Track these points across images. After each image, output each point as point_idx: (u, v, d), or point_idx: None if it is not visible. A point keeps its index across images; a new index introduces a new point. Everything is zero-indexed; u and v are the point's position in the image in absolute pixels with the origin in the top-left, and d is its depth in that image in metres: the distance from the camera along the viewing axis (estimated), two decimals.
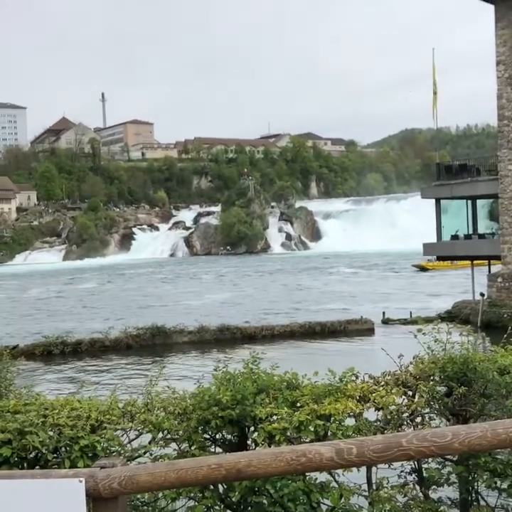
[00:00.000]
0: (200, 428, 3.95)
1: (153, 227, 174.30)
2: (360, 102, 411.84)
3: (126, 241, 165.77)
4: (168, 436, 4.03)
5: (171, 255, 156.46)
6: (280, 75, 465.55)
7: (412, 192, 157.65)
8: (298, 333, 38.92)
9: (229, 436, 4.03)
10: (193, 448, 3.88)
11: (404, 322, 39.76)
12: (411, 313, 40.79)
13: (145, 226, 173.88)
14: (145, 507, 4.22)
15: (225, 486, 3.88)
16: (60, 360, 32.28)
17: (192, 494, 3.85)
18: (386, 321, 40.52)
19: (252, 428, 4.03)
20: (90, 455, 3.85)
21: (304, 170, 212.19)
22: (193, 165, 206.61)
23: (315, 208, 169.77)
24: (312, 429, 3.84)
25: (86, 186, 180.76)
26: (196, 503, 3.86)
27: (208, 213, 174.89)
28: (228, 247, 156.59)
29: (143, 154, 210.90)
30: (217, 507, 3.81)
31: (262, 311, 48.74)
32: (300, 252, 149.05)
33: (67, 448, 3.89)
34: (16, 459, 3.88)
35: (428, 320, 43.01)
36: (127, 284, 77.73)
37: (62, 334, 35.28)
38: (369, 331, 37.53)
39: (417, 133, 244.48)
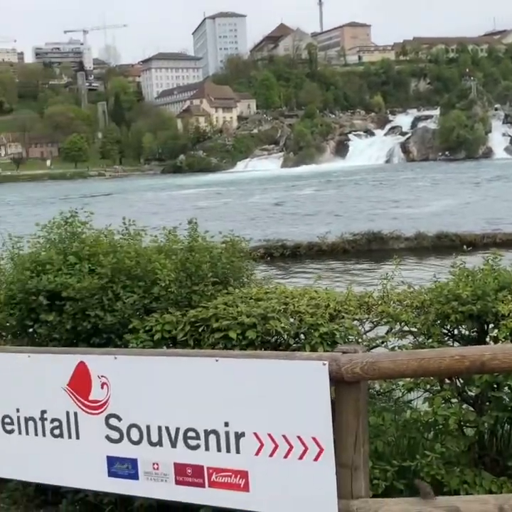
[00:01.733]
0: (438, 322, 3.94)
1: (368, 133, 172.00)
2: None
3: (341, 148, 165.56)
4: (405, 328, 4.07)
5: (387, 161, 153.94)
6: None
7: None
8: None
9: (467, 332, 3.98)
10: (429, 341, 3.89)
11: None
12: None
13: (360, 132, 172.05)
14: (379, 396, 4.34)
15: (462, 380, 3.87)
16: (279, 262, 33.51)
17: (428, 386, 3.88)
18: None
19: (491, 325, 3.94)
20: (329, 342, 4.00)
21: None
22: (411, 67, 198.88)
23: None
24: None
25: (303, 93, 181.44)
26: (432, 395, 3.89)
27: (426, 117, 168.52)
28: (447, 153, 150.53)
29: (359, 58, 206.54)
30: (454, 400, 3.82)
31: (482, 219, 46.70)
32: None
33: (307, 334, 4.07)
34: (260, 342, 4.14)
35: None
36: (343, 190, 77.95)
37: (282, 238, 36.44)
38: None
39: None
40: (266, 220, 51.67)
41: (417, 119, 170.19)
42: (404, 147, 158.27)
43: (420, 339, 4.05)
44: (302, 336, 4.16)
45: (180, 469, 3.80)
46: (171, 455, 3.80)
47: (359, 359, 3.32)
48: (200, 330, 4.34)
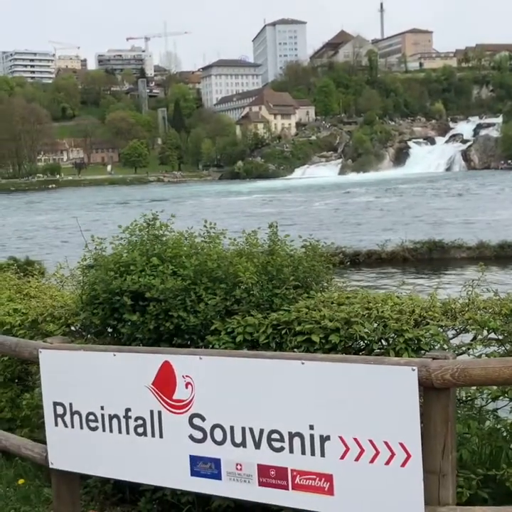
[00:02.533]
0: None
1: (429, 141, 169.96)
2: None
3: (400, 155, 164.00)
4: (492, 335, 4.01)
5: (447, 169, 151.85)
6: None
7: None
8: None
9: None
10: None
11: None
12: None
13: (420, 139, 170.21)
14: (462, 404, 4.28)
15: None
16: (340, 270, 33.31)
17: None
18: None
19: None
20: (414, 348, 3.97)
21: None
22: (473, 74, 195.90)
23: None
24: None
25: (362, 100, 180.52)
26: None
27: (489, 125, 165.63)
28: (509, 161, 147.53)
29: (420, 65, 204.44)
30: None
31: None
32: None
33: (392, 340, 4.05)
34: (343, 346, 4.13)
35: None
36: (403, 198, 77.22)
37: (341, 245, 36.26)
38: None
39: None
40: (328, 227, 51.52)
41: (479, 127, 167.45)
42: (466, 155, 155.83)
43: (508, 347, 3.99)
44: (385, 342, 4.14)
45: (263, 471, 3.82)
46: (255, 456, 3.82)
47: (449, 365, 3.29)
48: (282, 333, 4.36)
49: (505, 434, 3.94)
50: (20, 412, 5.79)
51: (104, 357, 4.30)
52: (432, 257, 36.12)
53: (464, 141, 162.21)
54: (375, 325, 4.07)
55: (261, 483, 3.85)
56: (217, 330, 4.52)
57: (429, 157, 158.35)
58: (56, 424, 4.44)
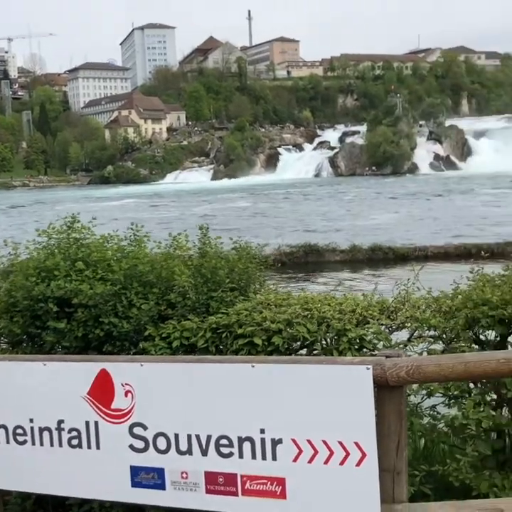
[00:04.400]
0: (466, 326, 3.99)
1: (297, 147, 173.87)
2: None
3: (271, 161, 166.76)
4: (429, 333, 4.10)
5: (316, 175, 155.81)
6: None
7: None
8: (453, 255, 38.07)
9: (492, 337, 4.05)
10: (459, 345, 3.94)
11: None
12: None
13: (290, 146, 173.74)
14: None
15: (489, 384, 3.92)
16: None
17: (455, 392, 3.91)
18: None
19: None
20: (357, 347, 4.00)
21: (454, 86, 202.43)
22: (338, 83, 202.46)
23: (466, 127, 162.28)
24: None
25: (233, 106, 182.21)
26: (457, 400, 3.93)
27: (354, 133, 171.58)
28: (374, 168, 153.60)
29: (288, 73, 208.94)
30: (482, 403, 3.86)
31: (411, 232, 47.86)
32: (449, 173, 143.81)
33: (334, 340, 4.06)
34: (285, 348, 4.10)
35: None
36: (276, 203, 78.55)
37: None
38: None
39: None
40: (213, 230, 51.40)
41: (345, 135, 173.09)
42: (333, 162, 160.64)
43: (443, 344, 4.10)
44: (325, 342, 4.14)
45: (211, 478, 3.72)
46: (202, 463, 3.71)
47: (404, 363, 3.33)
48: (222, 336, 4.27)
49: (446, 429, 4.03)
50: None
51: (33, 367, 4.04)
52: (307, 261, 36.96)
53: (331, 148, 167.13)
54: (318, 325, 4.07)
55: (208, 491, 3.75)
56: (151, 336, 4.37)
57: (299, 163, 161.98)
58: None
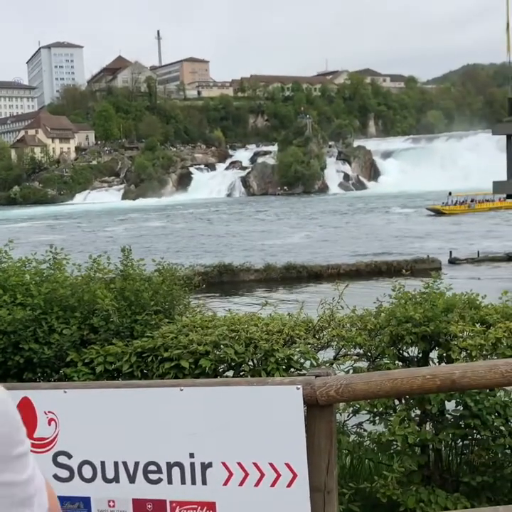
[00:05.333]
0: (391, 343, 4.06)
1: (210, 167, 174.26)
2: (422, 36, 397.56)
3: (183, 181, 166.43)
4: (354, 350, 4.15)
5: (228, 195, 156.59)
6: (337, 7, 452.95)
7: (474, 130, 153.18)
8: (364, 272, 38.95)
9: (414, 354, 4.14)
10: (384, 362, 4.00)
11: (473, 261, 39.21)
12: (478, 252, 40.25)
13: (202, 166, 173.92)
14: None
15: (412, 401, 4.00)
16: None
17: (381, 409, 3.97)
18: (453, 261, 39.89)
19: (435, 346, 4.12)
20: (285, 367, 4.00)
21: (362, 108, 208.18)
22: (249, 103, 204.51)
23: (373, 147, 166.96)
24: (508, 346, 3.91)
25: (143, 125, 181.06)
26: (382, 417, 3.99)
27: (265, 153, 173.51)
28: (285, 188, 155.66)
29: (199, 93, 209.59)
30: (407, 419, 3.93)
31: (323, 251, 48.77)
32: (358, 192, 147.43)
33: (262, 360, 4.05)
34: (212, 370, 4.06)
35: (496, 259, 42.21)
36: (191, 223, 78.43)
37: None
38: (436, 271, 37.21)
39: (479, 69, 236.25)
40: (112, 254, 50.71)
41: (256, 155, 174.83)
42: (245, 181, 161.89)
43: (368, 361, 4.15)
44: (252, 363, 4.13)
45: (139, 505, 3.63)
46: (129, 491, 3.61)
47: (333, 382, 3.35)
48: (147, 360, 4.19)
49: (372, 446, 4.08)
50: None
51: None
52: (222, 280, 36.99)
53: (243, 168, 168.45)
54: (245, 346, 4.06)
55: None
56: (74, 361, 4.24)
57: (211, 183, 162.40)
58: None
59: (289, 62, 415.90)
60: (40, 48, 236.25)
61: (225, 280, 38.29)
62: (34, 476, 0.97)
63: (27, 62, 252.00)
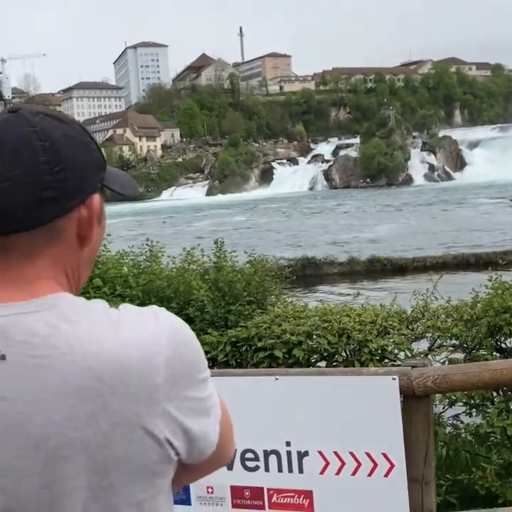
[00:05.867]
0: (488, 335, 4.00)
1: (292, 161, 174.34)
2: (509, 23, 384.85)
3: (266, 176, 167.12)
4: (450, 341, 4.11)
5: (310, 189, 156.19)
6: None
7: None
8: (451, 265, 38.09)
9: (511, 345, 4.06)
10: (480, 353, 3.94)
11: None
12: None
13: (284, 160, 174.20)
14: None
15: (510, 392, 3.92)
16: None
17: (477, 401, 3.92)
18: None
19: None
20: (378, 358, 4.00)
21: (447, 97, 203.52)
22: (330, 96, 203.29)
23: (459, 137, 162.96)
24: None
25: (226, 122, 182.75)
26: (479, 409, 3.93)
27: (347, 146, 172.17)
28: (368, 180, 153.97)
29: (281, 88, 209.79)
30: (506, 411, 3.86)
31: (408, 243, 47.99)
32: (444, 183, 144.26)
33: (356, 351, 4.06)
34: (305, 360, 4.10)
35: None
36: (274, 217, 78.66)
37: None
38: None
39: None
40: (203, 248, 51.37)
41: (338, 148, 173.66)
42: (327, 175, 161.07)
43: (464, 353, 4.10)
44: (345, 354, 4.14)
45: (237, 492, 3.70)
46: (227, 478, 3.68)
47: (430, 373, 3.33)
48: (242, 350, 4.27)
49: (470, 438, 4.03)
50: None
51: None
52: (305, 273, 36.94)
53: (325, 162, 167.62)
54: (338, 337, 4.07)
55: (235, 505, 3.72)
56: None
57: (293, 177, 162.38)
58: None
59: (371, 54, 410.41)
60: (126, 48, 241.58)
61: (308, 273, 38.18)
62: (212, 394, 1.27)
63: (114, 63, 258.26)
